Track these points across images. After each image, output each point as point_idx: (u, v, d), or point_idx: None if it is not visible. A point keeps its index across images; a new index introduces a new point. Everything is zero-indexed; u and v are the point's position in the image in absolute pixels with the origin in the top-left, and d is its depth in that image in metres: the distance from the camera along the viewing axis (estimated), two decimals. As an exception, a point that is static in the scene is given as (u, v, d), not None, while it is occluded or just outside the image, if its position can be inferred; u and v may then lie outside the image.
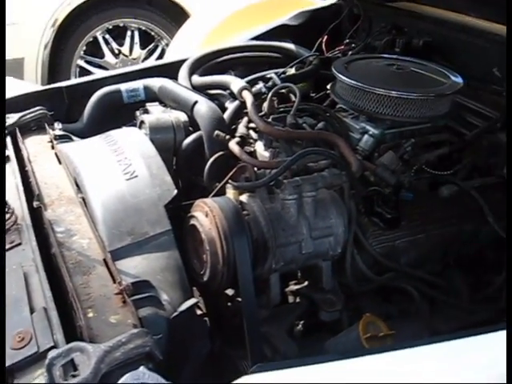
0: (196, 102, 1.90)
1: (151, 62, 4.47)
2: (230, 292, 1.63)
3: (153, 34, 4.74)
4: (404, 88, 1.81)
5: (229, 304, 1.64)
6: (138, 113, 2.00)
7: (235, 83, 1.97)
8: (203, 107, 1.88)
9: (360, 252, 1.60)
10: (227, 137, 1.71)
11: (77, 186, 1.57)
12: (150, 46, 4.79)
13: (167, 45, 4.57)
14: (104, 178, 1.57)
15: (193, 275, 1.50)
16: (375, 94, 1.78)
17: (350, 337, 1.40)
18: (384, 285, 1.66)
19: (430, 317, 1.67)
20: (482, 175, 1.92)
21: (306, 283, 1.63)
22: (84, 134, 1.99)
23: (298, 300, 1.63)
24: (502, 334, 1.05)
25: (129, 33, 4.73)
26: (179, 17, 4.49)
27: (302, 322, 1.63)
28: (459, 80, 1.95)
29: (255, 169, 1.56)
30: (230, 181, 1.52)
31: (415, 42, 2.37)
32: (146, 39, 4.79)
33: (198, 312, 1.70)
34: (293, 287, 1.64)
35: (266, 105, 1.90)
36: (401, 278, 1.66)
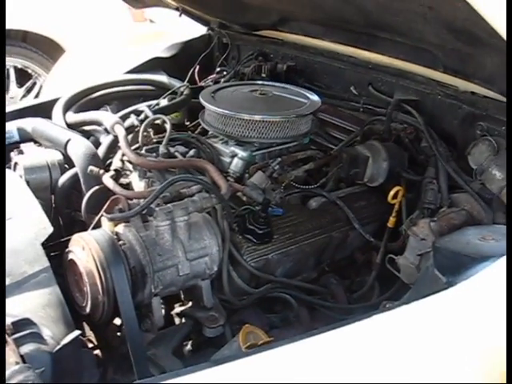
0: (69, 140, 1.94)
1: (28, 101, 4.40)
2: (117, 322, 1.68)
3: (29, 71, 4.67)
4: (267, 112, 1.95)
5: (118, 333, 1.69)
6: (12, 154, 2.01)
7: (107, 119, 2.03)
8: (76, 144, 1.92)
9: (236, 268, 1.70)
10: (101, 171, 1.76)
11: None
12: (28, 84, 4.71)
13: (45, 81, 4.52)
14: (-22, 222, 1.57)
15: (76, 309, 1.54)
16: (241, 120, 1.91)
17: (232, 348, 1.49)
18: (264, 296, 1.76)
19: (310, 321, 1.79)
20: (349, 185, 2.09)
21: (189, 304, 1.70)
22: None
23: (183, 321, 1.70)
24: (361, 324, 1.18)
25: (4, 71, 4.64)
26: (55, 53, 4.46)
27: (190, 341, 1.71)
28: (318, 100, 2.12)
29: (130, 200, 1.63)
30: (104, 213, 1.58)
31: (280, 66, 2.55)
32: (23, 77, 4.70)
33: (90, 345, 1.74)
34: (178, 309, 1.71)
35: (139, 137, 1.98)
36: (278, 288, 1.77)
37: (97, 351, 1.74)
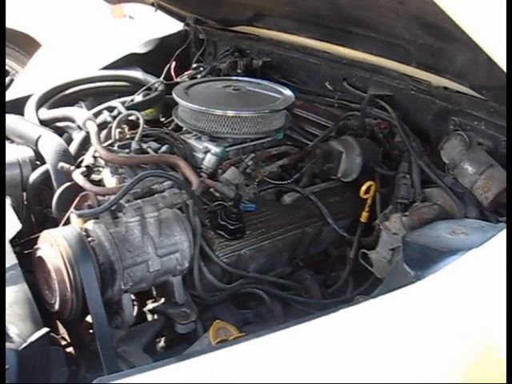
0: (40, 137, 1.92)
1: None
2: (90, 319, 1.66)
3: (7, 67, 4.61)
4: (240, 107, 1.95)
5: (90, 331, 1.67)
6: (-18, 151, 1.99)
7: (79, 115, 2.02)
8: (47, 141, 1.91)
9: (208, 264, 1.69)
10: (71, 168, 1.75)
11: None
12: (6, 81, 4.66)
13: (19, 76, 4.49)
14: None
15: (45, 306, 1.52)
16: (213, 115, 1.90)
17: (202, 343, 1.49)
18: (237, 292, 1.76)
19: (284, 317, 1.79)
20: (323, 181, 2.09)
21: (161, 300, 1.70)
22: None
23: (155, 317, 1.70)
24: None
25: (-21, 68, 4.58)
26: (33, 49, 4.41)
27: (163, 338, 1.70)
28: (291, 95, 2.12)
29: (101, 196, 1.61)
30: (73, 210, 1.56)
31: (255, 62, 2.55)
32: (-1, 74, 4.65)
33: (63, 342, 1.73)
34: (149, 305, 1.70)
35: (112, 133, 1.96)
36: (251, 284, 1.77)
37: (70, 349, 1.73)
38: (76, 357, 1.68)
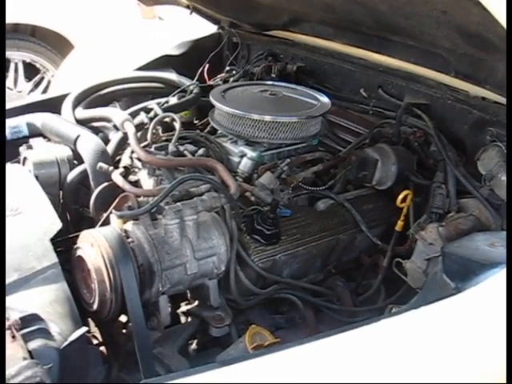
0: (78, 136, 1.94)
1: (36, 95, 4.41)
2: (123, 319, 1.68)
3: (38, 65, 4.67)
4: (277, 112, 1.95)
5: (123, 331, 1.69)
6: (21, 149, 2.01)
7: (117, 116, 2.03)
8: (86, 141, 1.93)
9: (244, 268, 1.70)
10: (110, 168, 1.76)
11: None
12: (36, 78, 4.72)
13: (53, 76, 4.54)
14: (-12, 216, 1.58)
15: (83, 305, 1.54)
16: (250, 120, 1.91)
17: (238, 348, 1.49)
18: (270, 297, 1.76)
19: (315, 323, 1.79)
20: (357, 188, 2.09)
21: (195, 303, 1.71)
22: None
23: (189, 319, 1.70)
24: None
25: (12, 65, 4.63)
26: (64, 48, 4.47)
27: (195, 340, 1.71)
28: (328, 101, 2.12)
29: (138, 197, 1.63)
30: (113, 211, 1.58)
31: (289, 67, 2.55)
32: (31, 71, 4.71)
33: (95, 341, 1.74)
34: (184, 308, 1.72)
35: (148, 135, 1.98)
36: (285, 289, 1.77)
37: (102, 348, 1.75)
38: (108, 356, 1.70)
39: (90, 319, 1.70)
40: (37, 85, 4.74)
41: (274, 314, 1.82)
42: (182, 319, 1.73)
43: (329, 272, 1.93)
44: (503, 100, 1.83)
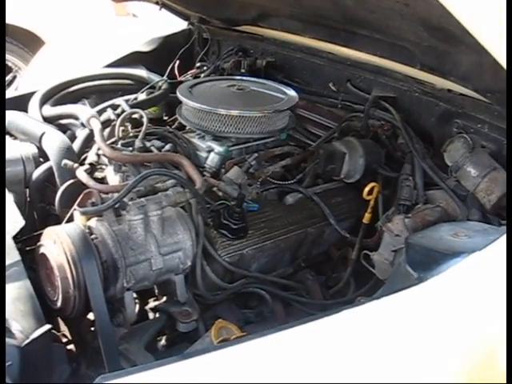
0: (43, 134, 1.92)
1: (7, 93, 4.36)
2: (91, 317, 1.67)
3: (9, 64, 4.62)
4: (244, 107, 1.95)
5: (91, 328, 1.68)
6: (-14, 147, 1.99)
7: (83, 113, 2.01)
8: (51, 138, 1.91)
9: (211, 263, 1.69)
10: (75, 165, 1.75)
11: None
12: (8, 77, 4.66)
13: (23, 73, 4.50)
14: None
15: (47, 303, 1.53)
16: (217, 115, 1.91)
17: (204, 343, 1.49)
18: (238, 292, 1.76)
19: (285, 317, 1.79)
20: (326, 181, 2.09)
21: (163, 298, 1.70)
22: None
23: (157, 315, 1.70)
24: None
25: (-18, 65, 4.58)
26: (36, 46, 4.42)
27: (164, 336, 1.70)
28: (295, 95, 2.12)
29: (103, 194, 1.61)
30: (77, 207, 1.56)
31: (259, 62, 2.55)
32: (3, 70, 4.66)
33: (64, 339, 1.73)
34: (151, 303, 1.71)
35: (116, 131, 1.96)
36: (253, 283, 1.77)
37: (71, 346, 1.73)
38: (77, 354, 1.69)
39: (59, 318, 1.69)
40: (9, 83, 4.68)
41: (243, 309, 1.81)
42: (150, 315, 1.72)
43: (298, 265, 1.94)
44: (468, 92, 1.84)
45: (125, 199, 1.53)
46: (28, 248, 1.72)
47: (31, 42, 4.52)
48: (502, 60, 1.38)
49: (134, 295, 1.69)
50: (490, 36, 1.38)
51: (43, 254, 1.51)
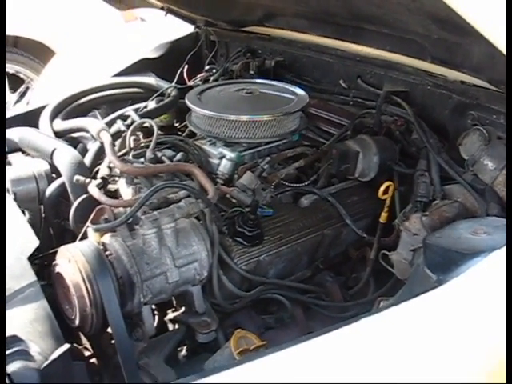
0: (55, 149, 1.92)
1: (21, 106, 4.38)
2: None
3: (22, 76, 4.65)
4: (253, 111, 1.93)
5: (112, 342, 1.67)
6: (0, 166, 1.99)
7: (93, 125, 2.01)
8: (62, 154, 1.90)
9: (227, 272, 1.68)
10: (87, 180, 1.74)
11: None
12: (21, 89, 4.69)
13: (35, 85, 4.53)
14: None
15: (66, 321, 1.53)
16: (227, 121, 1.89)
17: (224, 354, 1.48)
18: (257, 299, 1.75)
19: (305, 321, 1.77)
20: (341, 181, 2.07)
21: (182, 309, 1.69)
22: None
23: (176, 327, 1.69)
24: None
25: (-5, 77, 4.62)
26: (47, 57, 4.45)
27: (185, 347, 1.69)
28: (305, 96, 2.09)
29: (116, 208, 1.61)
30: (90, 224, 1.56)
31: (268, 62, 2.53)
32: (16, 82, 4.68)
33: (86, 353, 1.73)
34: (170, 315, 1.70)
35: (126, 142, 1.96)
36: (271, 289, 1.76)
37: (93, 360, 1.74)
38: (99, 368, 1.69)
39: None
40: (22, 95, 4.72)
41: (263, 314, 1.80)
42: (170, 326, 1.72)
43: (317, 268, 1.92)
44: (481, 83, 1.80)
45: (138, 213, 1.52)
46: (46, 264, 1.72)
47: (42, 53, 4.55)
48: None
49: (153, 307, 1.70)
50: (494, 27, 1.34)
51: (59, 273, 1.51)
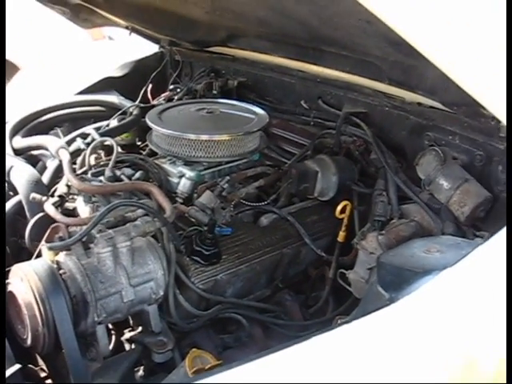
0: (12, 167, 1.90)
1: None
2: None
3: (-15, 93, 4.60)
4: (213, 131, 1.94)
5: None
6: (-44, 184, 1.96)
7: (52, 143, 2.00)
8: (19, 171, 1.89)
9: (184, 291, 1.67)
10: (43, 198, 1.73)
11: None
12: (-15, 106, 4.63)
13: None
14: None
15: (18, 341, 1.50)
16: (187, 140, 1.90)
17: (179, 373, 1.46)
18: (215, 318, 1.74)
19: (264, 340, 1.77)
20: (302, 200, 2.08)
21: (139, 329, 1.67)
22: None
23: (133, 346, 1.67)
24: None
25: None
26: (10, 72, 4.40)
27: (142, 367, 1.68)
28: (265, 116, 2.11)
29: (71, 227, 1.59)
30: (44, 242, 1.54)
31: (231, 82, 2.56)
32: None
33: (42, 374, 1.70)
34: (127, 335, 1.68)
35: (86, 160, 1.95)
36: (229, 309, 1.75)
37: (48, 381, 1.71)
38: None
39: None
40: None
41: (222, 334, 1.79)
42: (127, 347, 1.70)
43: (276, 287, 1.92)
44: (437, 104, 1.84)
45: (93, 231, 1.51)
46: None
47: (6, 69, 4.50)
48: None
49: (110, 326, 1.68)
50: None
51: (11, 292, 1.48)
